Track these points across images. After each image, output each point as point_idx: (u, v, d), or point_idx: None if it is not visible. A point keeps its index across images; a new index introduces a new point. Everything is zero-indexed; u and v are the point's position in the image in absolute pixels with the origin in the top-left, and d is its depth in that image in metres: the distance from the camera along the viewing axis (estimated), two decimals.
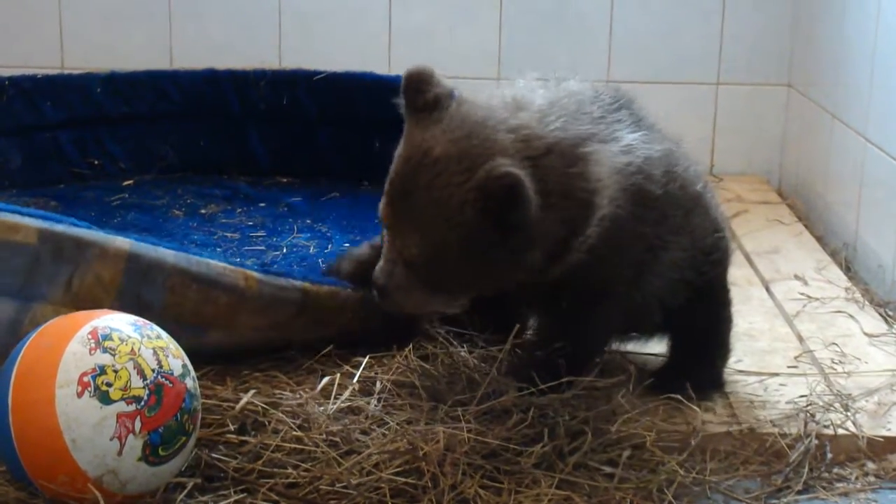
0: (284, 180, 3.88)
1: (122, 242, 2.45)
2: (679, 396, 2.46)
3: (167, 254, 2.48)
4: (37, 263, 2.40)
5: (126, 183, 3.81)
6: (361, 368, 2.51)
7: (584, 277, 2.35)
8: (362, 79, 3.72)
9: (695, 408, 2.41)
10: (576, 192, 2.27)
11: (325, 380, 2.48)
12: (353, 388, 2.45)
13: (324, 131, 3.83)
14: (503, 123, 2.26)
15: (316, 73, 3.78)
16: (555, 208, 2.25)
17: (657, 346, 2.69)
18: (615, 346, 2.68)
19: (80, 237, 2.42)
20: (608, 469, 2.23)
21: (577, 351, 2.39)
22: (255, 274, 2.54)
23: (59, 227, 2.42)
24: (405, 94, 2.34)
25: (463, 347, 2.56)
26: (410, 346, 2.55)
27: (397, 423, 2.29)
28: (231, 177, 3.89)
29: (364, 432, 2.29)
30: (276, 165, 3.91)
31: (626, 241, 2.36)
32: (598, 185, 2.28)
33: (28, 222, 2.40)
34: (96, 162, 3.84)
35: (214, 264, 2.51)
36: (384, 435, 2.26)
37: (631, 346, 2.72)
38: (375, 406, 2.38)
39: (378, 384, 2.46)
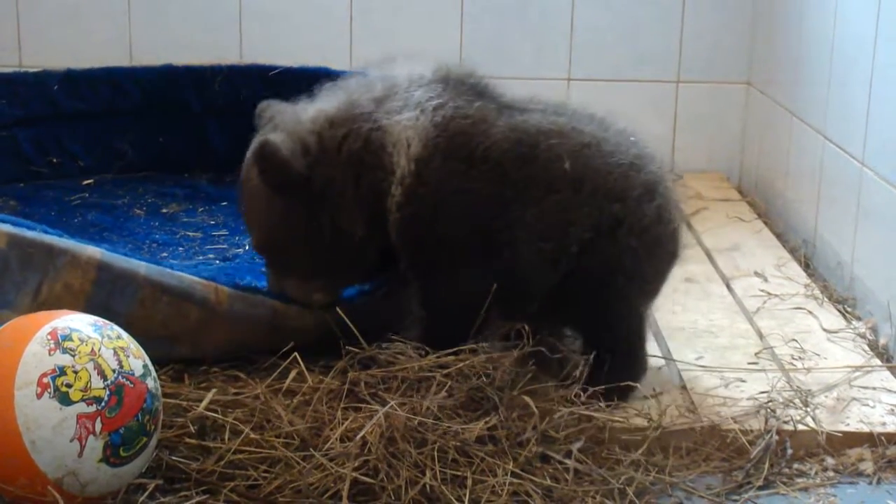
0: None
1: (93, 251, 2.42)
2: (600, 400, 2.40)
3: (139, 265, 2.46)
4: (5, 270, 2.37)
5: (86, 182, 3.78)
6: (320, 364, 2.51)
7: (431, 219, 2.49)
8: (316, 73, 3.70)
9: (656, 403, 2.42)
10: (360, 150, 2.51)
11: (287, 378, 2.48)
12: (312, 385, 2.44)
13: None
14: (303, 111, 2.59)
15: (272, 68, 3.77)
16: (344, 166, 2.51)
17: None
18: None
19: (51, 244, 2.39)
20: (569, 464, 2.23)
21: (446, 308, 2.53)
22: (227, 289, 2.53)
23: (30, 234, 2.39)
24: None
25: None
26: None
27: (352, 417, 2.29)
28: (192, 174, 3.87)
29: (324, 424, 2.28)
30: (236, 161, 3.88)
31: (446, 180, 2.49)
32: (389, 139, 2.50)
33: None
34: (55, 160, 3.81)
35: (187, 277, 2.49)
36: (341, 425, 2.25)
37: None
38: (338, 402, 2.38)
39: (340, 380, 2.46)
